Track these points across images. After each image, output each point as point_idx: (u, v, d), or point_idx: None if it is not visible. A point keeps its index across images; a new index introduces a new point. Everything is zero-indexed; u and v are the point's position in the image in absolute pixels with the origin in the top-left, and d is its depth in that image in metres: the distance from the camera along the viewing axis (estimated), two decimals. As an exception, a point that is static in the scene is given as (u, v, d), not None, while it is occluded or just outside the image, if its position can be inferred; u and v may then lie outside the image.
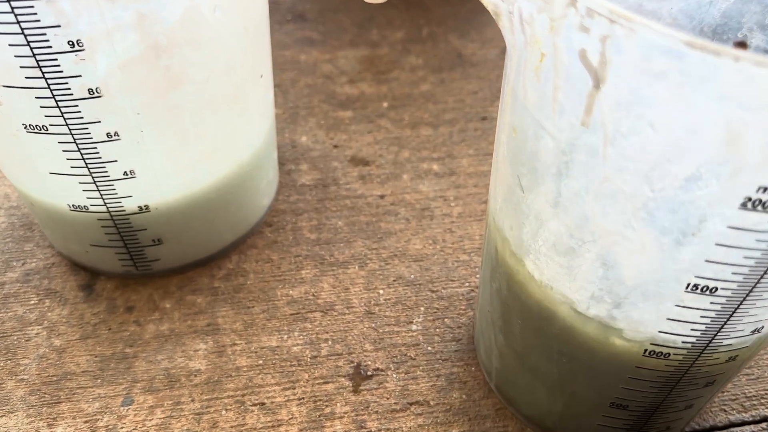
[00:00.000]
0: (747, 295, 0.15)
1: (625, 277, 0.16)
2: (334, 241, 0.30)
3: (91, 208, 0.24)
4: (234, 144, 0.26)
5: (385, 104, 0.38)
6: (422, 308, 0.27)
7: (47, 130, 0.21)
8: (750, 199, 0.12)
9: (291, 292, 0.28)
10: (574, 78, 0.13)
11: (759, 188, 0.12)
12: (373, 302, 0.27)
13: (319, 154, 0.35)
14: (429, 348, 0.26)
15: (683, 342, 0.16)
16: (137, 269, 0.28)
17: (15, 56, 0.19)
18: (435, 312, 0.27)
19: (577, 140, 0.14)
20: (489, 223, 0.21)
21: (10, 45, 0.19)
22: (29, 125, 0.21)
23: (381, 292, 0.28)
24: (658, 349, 0.17)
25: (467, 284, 0.28)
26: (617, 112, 0.13)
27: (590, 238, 0.16)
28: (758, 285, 0.14)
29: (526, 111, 0.15)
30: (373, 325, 0.27)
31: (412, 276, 0.28)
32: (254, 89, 0.25)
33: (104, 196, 0.24)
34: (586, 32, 0.12)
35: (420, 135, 0.36)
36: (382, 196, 0.32)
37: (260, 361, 0.25)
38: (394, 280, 0.28)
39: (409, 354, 0.26)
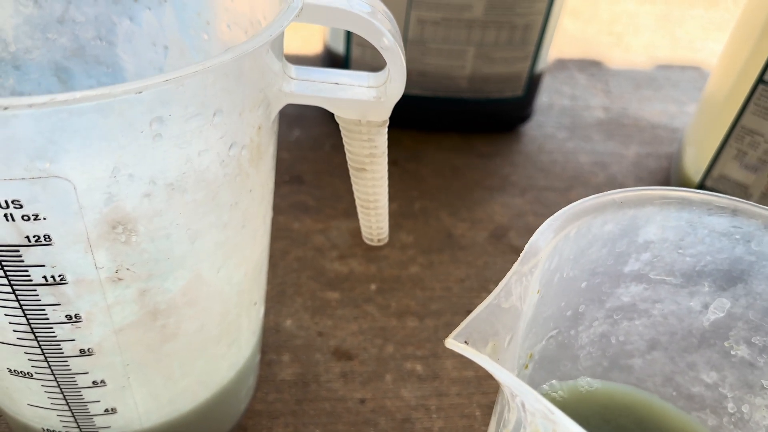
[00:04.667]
0: None
1: None
2: (310, 454, 0.29)
3: (65, 434, 0.24)
4: (219, 371, 0.25)
5: (373, 287, 0.38)
6: None
7: (32, 376, 0.21)
8: None
9: None
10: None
11: None
12: None
13: (303, 342, 0.34)
14: None
15: None
16: (104, 480, 0.27)
17: (9, 323, 0.19)
18: None
19: None
20: None
21: (6, 315, 0.19)
22: (14, 370, 0.21)
23: None
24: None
25: None
26: None
27: None
28: None
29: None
30: None
31: (387, 504, 0.28)
32: (247, 318, 0.25)
33: (81, 426, 0.23)
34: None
35: (406, 326, 0.36)
36: (362, 401, 0.32)
37: None
38: None
39: None
